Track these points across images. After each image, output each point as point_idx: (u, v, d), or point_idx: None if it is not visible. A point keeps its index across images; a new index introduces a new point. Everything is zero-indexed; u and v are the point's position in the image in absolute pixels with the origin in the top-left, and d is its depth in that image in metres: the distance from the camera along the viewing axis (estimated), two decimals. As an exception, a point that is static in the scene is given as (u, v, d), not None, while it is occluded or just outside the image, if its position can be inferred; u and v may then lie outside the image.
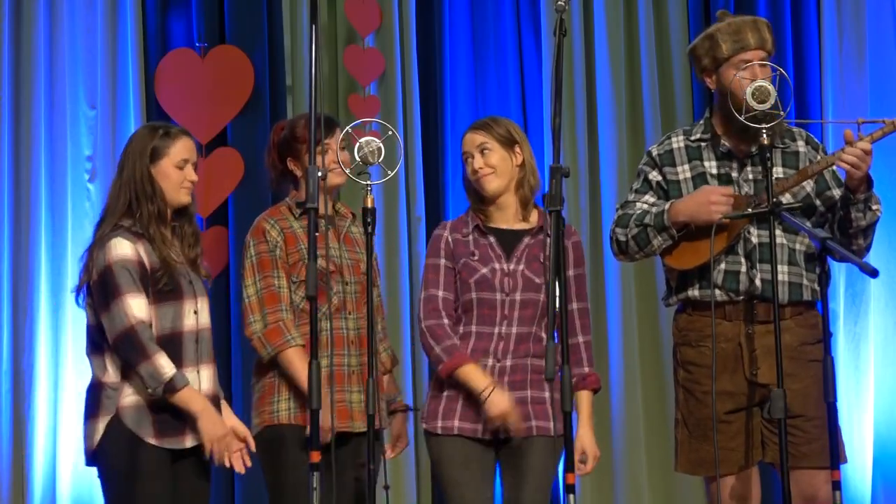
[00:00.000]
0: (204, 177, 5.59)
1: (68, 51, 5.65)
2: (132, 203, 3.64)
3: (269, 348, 3.81)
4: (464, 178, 3.91)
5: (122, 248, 3.57)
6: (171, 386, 3.49)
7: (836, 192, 3.78)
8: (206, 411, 3.54)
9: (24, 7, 5.64)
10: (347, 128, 3.72)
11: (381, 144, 3.56)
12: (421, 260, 5.75)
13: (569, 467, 3.01)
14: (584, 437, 3.78)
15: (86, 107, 5.67)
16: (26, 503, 5.41)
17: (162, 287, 3.58)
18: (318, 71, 3.34)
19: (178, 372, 3.52)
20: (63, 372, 5.47)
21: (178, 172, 3.69)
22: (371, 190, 3.57)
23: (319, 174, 3.24)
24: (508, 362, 3.73)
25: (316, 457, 3.17)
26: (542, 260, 3.78)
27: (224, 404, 3.75)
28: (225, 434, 3.56)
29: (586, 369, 3.81)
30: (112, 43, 5.69)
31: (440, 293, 3.81)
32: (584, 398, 3.80)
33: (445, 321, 3.78)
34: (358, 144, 3.56)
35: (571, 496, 2.99)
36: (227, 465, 3.57)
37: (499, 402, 3.67)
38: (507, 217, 3.84)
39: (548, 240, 3.78)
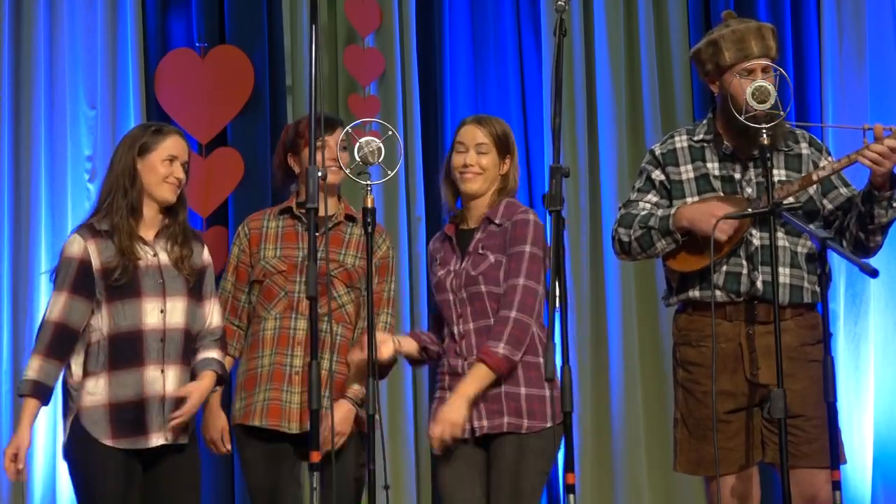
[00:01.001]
0: (204, 177, 5.59)
1: (68, 51, 5.65)
2: (109, 196, 3.69)
3: None
4: (446, 167, 3.88)
5: (71, 247, 3.70)
6: (19, 387, 3.64)
7: (845, 191, 3.78)
8: (22, 427, 3.62)
9: (24, 7, 5.64)
10: (347, 128, 3.72)
11: (381, 144, 3.56)
12: (421, 260, 5.77)
13: (569, 467, 3.01)
14: (451, 404, 3.64)
15: (86, 107, 5.67)
16: (26, 503, 5.41)
17: (115, 282, 3.63)
18: (318, 71, 3.34)
19: (34, 381, 3.61)
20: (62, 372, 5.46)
21: (164, 166, 3.72)
22: (371, 190, 3.57)
23: (319, 174, 3.24)
24: (475, 359, 3.72)
25: (316, 457, 3.18)
26: (479, 251, 3.76)
27: (197, 387, 3.74)
28: (12, 449, 3.63)
29: (491, 343, 3.65)
30: (112, 43, 5.69)
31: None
32: (473, 369, 3.65)
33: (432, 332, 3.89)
34: (358, 144, 3.56)
35: (571, 496, 2.99)
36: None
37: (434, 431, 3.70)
38: (474, 217, 3.84)
39: (497, 229, 3.76)
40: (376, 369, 3.59)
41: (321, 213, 3.29)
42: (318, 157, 3.76)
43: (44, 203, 5.57)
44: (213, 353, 3.79)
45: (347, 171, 3.61)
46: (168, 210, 3.76)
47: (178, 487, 3.71)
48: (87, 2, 5.69)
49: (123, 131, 5.53)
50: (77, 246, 3.68)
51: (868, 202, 3.67)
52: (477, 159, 3.79)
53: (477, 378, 3.65)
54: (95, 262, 3.66)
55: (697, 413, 3.75)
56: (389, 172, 3.60)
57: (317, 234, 3.24)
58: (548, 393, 3.71)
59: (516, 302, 3.65)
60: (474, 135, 3.82)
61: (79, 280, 3.65)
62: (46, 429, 5.45)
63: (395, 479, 5.48)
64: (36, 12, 5.63)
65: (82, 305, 3.65)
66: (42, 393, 3.63)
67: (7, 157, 5.58)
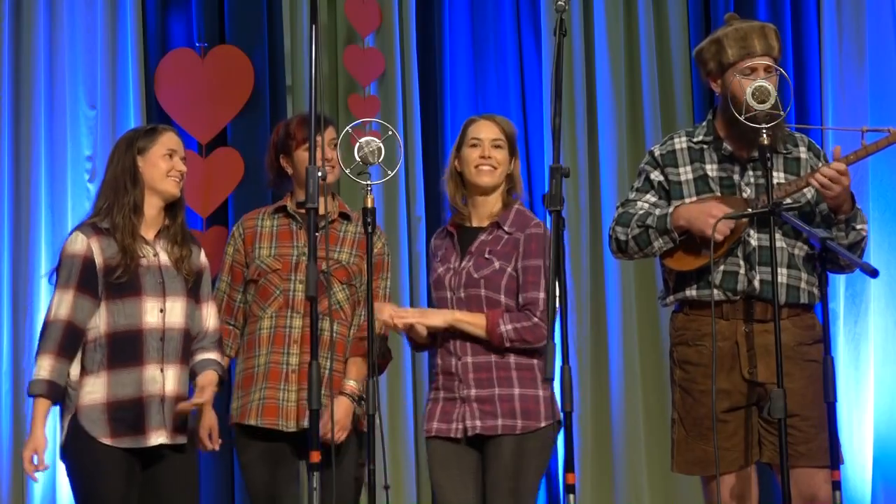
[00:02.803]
0: (204, 177, 5.59)
1: (68, 51, 5.65)
2: (110, 196, 3.69)
3: None
4: (452, 164, 3.89)
5: (74, 244, 3.67)
6: (29, 387, 3.61)
7: None
8: (37, 428, 3.61)
9: (24, 7, 5.64)
10: (347, 128, 3.72)
11: (381, 144, 3.57)
12: (421, 260, 5.77)
13: (569, 467, 3.02)
14: (435, 311, 3.84)
15: (86, 107, 5.67)
16: (26, 503, 5.41)
17: (117, 280, 3.61)
18: (318, 71, 3.34)
19: (41, 381, 3.59)
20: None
21: (166, 161, 3.74)
22: (371, 190, 3.57)
23: (319, 174, 3.25)
24: (469, 359, 3.75)
25: (316, 457, 3.19)
26: (485, 255, 3.78)
27: (207, 386, 3.78)
28: (30, 451, 3.62)
29: (507, 317, 3.76)
30: (112, 43, 5.69)
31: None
32: (475, 314, 3.76)
33: None
34: (358, 144, 3.56)
35: (571, 496, 2.99)
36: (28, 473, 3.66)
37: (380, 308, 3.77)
38: (480, 215, 3.85)
39: (505, 236, 3.80)
40: (376, 369, 3.59)
41: (321, 212, 3.30)
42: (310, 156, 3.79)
43: (44, 203, 5.57)
44: (213, 355, 3.81)
45: (347, 171, 3.62)
46: (168, 210, 3.77)
47: (177, 487, 3.71)
48: (87, 2, 5.69)
49: (123, 131, 5.54)
50: (80, 243, 3.66)
51: (827, 224, 3.69)
52: (493, 153, 3.81)
53: (471, 319, 3.74)
54: (98, 260, 3.65)
55: (695, 412, 3.75)
56: (389, 172, 3.60)
57: (316, 233, 3.24)
58: (541, 393, 3.76)
59: (539, 312, 3.72)
60: (490, 130, 3.85)
61: (84, 277, 3.63)
62: (46, 429, 5.43)
63: (395, 479, 5.48)
64: (36, 12, 5.63)
65: (88, 303, 3.64)
66: (55, 393, 3.61)
67: (7, 157, 5.58)
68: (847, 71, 5.92)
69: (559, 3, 3.21)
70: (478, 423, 3.72)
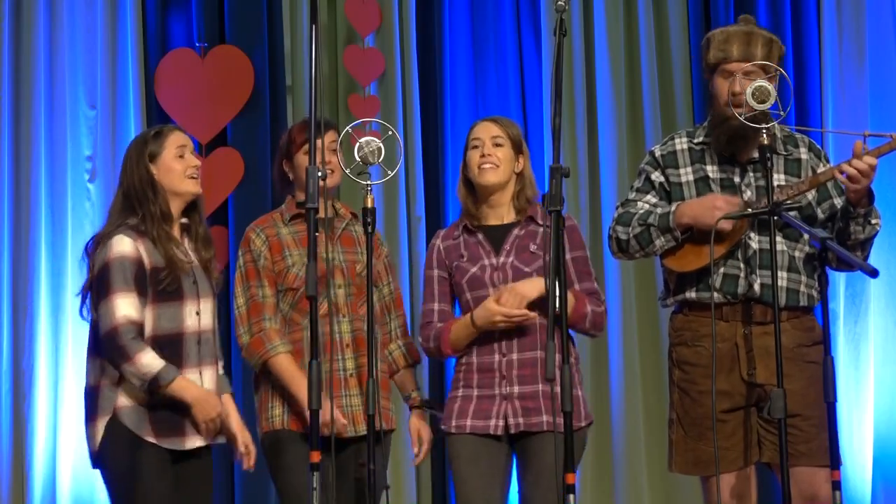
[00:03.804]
0: (204, 177, 5.56)
1: (68, 51, 5.65)
2: (136, 206, 3.65)
3: (255, 358, 3.83)
4: (462, 171, 3.88)
5: (122, 246, 3.57)
6: (157, 382, 3.49)
7: (839, 202, 3.78)
8: (198, 399, 3.53)
9: (24, 7, 5.65)
10: (347, 128, 3.72)
11: (381, 144, 3.56)
12: (421, 260, 5.76)
13: (568, 467, 3.02)
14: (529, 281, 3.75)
15: (86, 107, 5.67)
16: (26, 503, 5.41)
17: (165, 287, 3.58)
18: (318, 71, 3.34)
19: (165, 366, 3.50)
20: (63, 372, 5.47)
21: (179, 161, 3.71)
22: (371, 190, 3.57)
23: (319, 174, 3.24)
24: (515, 356, 3.72)
25: (316, 457, 3.17)
26: (531, 249, 3.77)
27: (233, 407, 3.75)
28: (217, 415, 3.56)
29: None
30: (112, 43, 5.69)
31: (435, 306, 3.85)
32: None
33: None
34: (358, 144, 3.56)
35: (571, 496, 2.99)
36: (210, 436, 3.59)
37: (490, 306, 3.68)
38: (499, 216, 3.84)
39: (540, 230, 3.79)
40: (376, 368, 3.58)
41: (321, 214, 3.29)
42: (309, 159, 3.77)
43: (44, 203, 5.57)
44: (220, 367, 3.76)
45: (347, 171, 3.61)
46: (188, 209, 3.74)
47: (202, 488, 3.68)
48: (87, 2, 5.69)
49: (123, 131, 5.58)
50: (128, 245, 3.57)
51: (845, 218, 3.68)
52: (493, 150, 3.80)
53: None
54: (146, 262, 3.58)
55: (693, 413, 3.75)
56: (389, 172, 3.60)
57: (317, 233, 3.24)
58: (580, 393, 3.78)
59: (603, 300, 3.88)
60: (489, 129, 3.84)
61: (138, 279, 3.56)
62: (46, 429, 5.44)
63: (394, 479, 5.48)
64: (36, 12, 5.64)
65: (141, 306, 3.57)
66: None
67: (7, 157, 5.58)
68: (847, 71, 5.92)
69: (559, 3, 3.21)
70: (521, 420, 3.70)
